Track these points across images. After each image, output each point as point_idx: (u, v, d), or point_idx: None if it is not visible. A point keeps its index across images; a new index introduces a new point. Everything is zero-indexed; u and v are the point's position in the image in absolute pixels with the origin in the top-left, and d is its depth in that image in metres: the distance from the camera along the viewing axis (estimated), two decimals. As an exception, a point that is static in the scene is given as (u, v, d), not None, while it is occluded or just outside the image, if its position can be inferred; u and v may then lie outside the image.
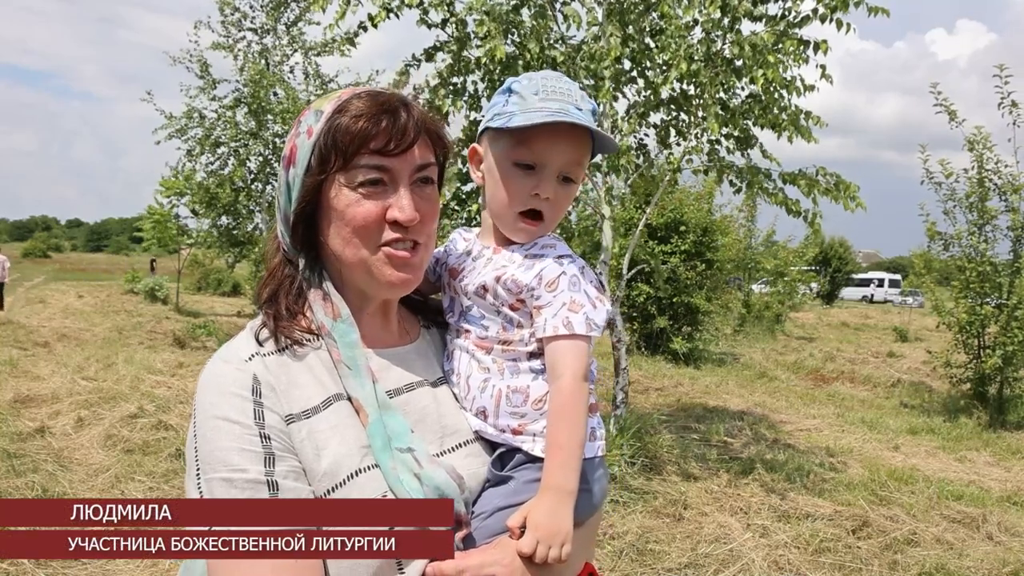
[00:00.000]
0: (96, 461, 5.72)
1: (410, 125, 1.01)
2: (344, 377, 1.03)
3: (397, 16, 5.44)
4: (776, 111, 5.55)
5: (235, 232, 14.71)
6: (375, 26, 5.55)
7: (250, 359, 1.01)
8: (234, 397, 0.97)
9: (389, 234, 1.03)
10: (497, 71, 5.40)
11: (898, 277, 47.09)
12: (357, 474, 0.97)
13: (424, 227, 1.06)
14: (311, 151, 1.02)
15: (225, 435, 0.94)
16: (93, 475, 5.41)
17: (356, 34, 5.77)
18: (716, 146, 6.01)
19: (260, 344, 1.03)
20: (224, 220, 14.62)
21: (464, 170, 5.70)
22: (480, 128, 1.19)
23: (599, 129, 1.10)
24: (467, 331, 1.15)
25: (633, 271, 6.82)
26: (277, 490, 0.93)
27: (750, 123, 5.77)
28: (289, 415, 0.98)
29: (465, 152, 5.76)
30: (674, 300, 13.20)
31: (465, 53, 5.59)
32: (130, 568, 3.97)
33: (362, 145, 0.99)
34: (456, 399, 1.16)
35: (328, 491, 0.96)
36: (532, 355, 1.10)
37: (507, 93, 1.12)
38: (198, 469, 0.95)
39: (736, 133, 5.88)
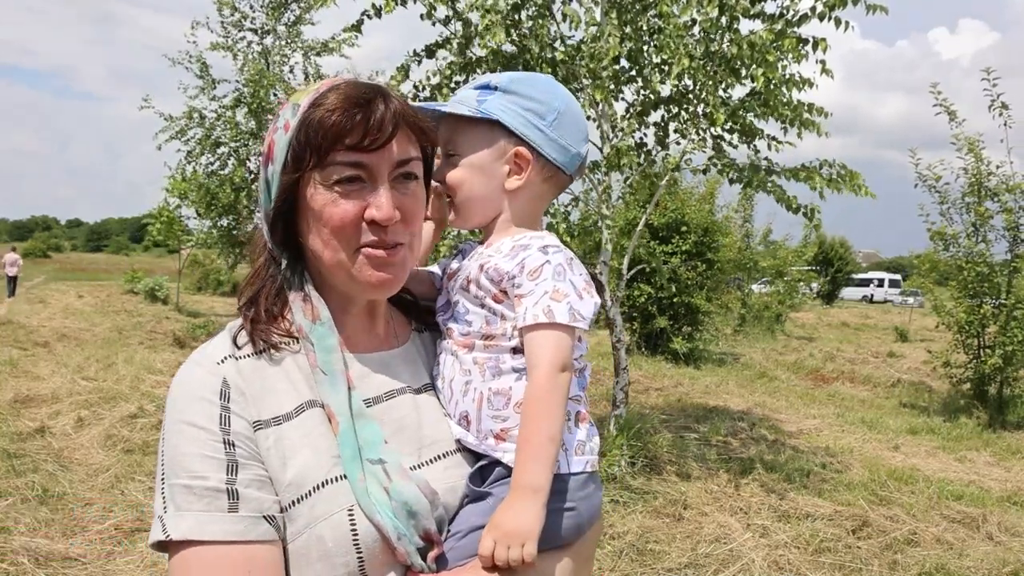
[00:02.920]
0: (96, 461, 5.72)
1: (387, 118, 0.95)
2: (319, 383, 0.99)
3: (404, 5, 5.44)
4: (778, 107, 5.54)
5: (235, 232, 14.70)
6: (379, 16, 5.55)
7: (222, 362, 0.98)
8: (201, 401, 0.94)
9: (368, 235, 0.97)
10: (499, 69, 5.40)
11: (898, 277, 47.13)
12: (324, 485, 0.94)
13: (407, 227, 1.01)
14: (288, 147, 0.97)
15: (189, 440, 0.92)
16: (93, 475, 5.41)
17: (361, 22, 5.75)
18: (720, 141, 6.00)
19: (237, 347, 1.00)
20: (224, 221, 14.63)
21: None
22: None
23: (427, 106, 1.10)
24: (450, 329, 1.11)
25: (634, 271, 6.81)
26: (237, 499, 0.90)
27: (752, 116, 5.76)
28: (257, 421, 0.95)
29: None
30: (674, 300, 13.21)
31: (469, 52, 5.59)
32: (130, 568, 3.98)
33: (336, 141, 0.94)
34: (442, 406, 1.10)
35: (293, 502, 0.93)
36: (515, 351, 1.06)
37: None
38: (163, 474, 0.92)
39: (739, 127, 5.87)
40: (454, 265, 1.17)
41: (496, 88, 1.11)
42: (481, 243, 1.18)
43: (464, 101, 1.11)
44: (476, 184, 1.11)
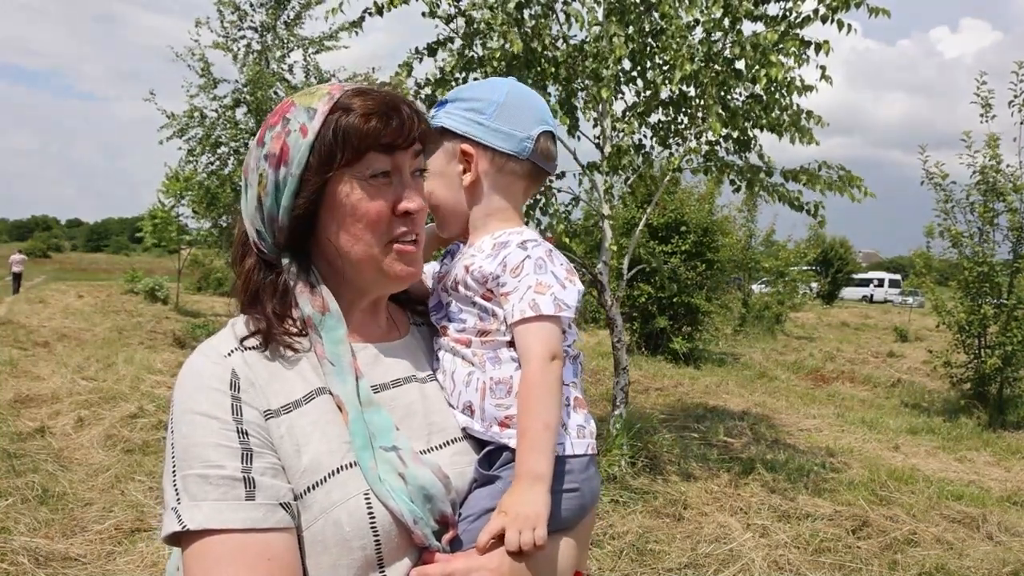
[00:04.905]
0: (96, 461, 5.72)
1: (415, 120, 1.03)
2: (327, 374, 1.01)
3: (406, 2, 5.45)
4: (777, 111, 5.54)
5: (236, 232, 14.68)
6: (380, 14, 5.55)
7: (229, 354, 0.99)
8: (211, 391, 0.95)
9: (399, 228, 1.03)
10: (502, 68, 5.40)
11: (898, 277, 47.09)
12: (338, 471, 0.95)
13: (423, 220, 1.08)
14: (310, 149, 1.00)
15: (201, 430, 0.92)
16: (93, 475, 5.41)
17: (362, 19, 5.76)
18: (715, 147, 6.01)
19: (241, 340, 1.01)
20: (225, 220, 14.63)
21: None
22: None
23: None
24: (445, 328, 1.15)
25: (634, 271, 6.81)
26: (254, 487, 0.90)
27: (749, 125, 5.77)
28: (268, 410, 0.96)
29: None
30: (674, 300, 13.21)
31: (471, 50, 5.60)
32: (130, 568, 3.98)
33: (374, 142, 1.00)
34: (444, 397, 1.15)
35: (308, 488, 0.94)
36: (511, 344, 1.09)
37: None
38: (174, 466, 0.92)
39: (735, 135, 5.87)
40: (443, 267, 1.22)
41: (445, 102, 1.19)
42: (464, 242, 1.22)
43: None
44: (439, 189, 1.18)
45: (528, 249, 1.09)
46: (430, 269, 1.28)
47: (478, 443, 1.10)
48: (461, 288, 1.12)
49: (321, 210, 1.03)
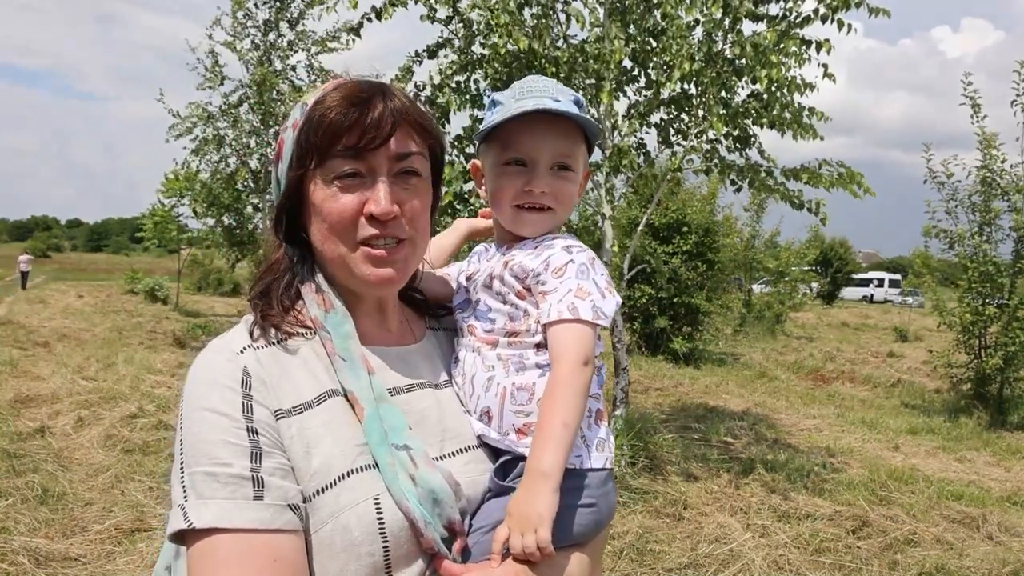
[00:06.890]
0: (96, 461, 5.72)
1: (385, 116, 0.97)
2: (339, 370, 0.99)
3: (405, 6, 5.45)
4: (778, 108, 5.54)
5: (237, 232, 14.69)
6: (380, 19, 5.55)
7: (242, 352, 0.97)
8: (223, 389, 0.93)
9: (367, 230, 0.99)
10: (502, 69, 5.40)
11: (898, 277, 47.09)
12: (349, 475, 0.93)
13: (411, 221, 1.02)
14: (294, 145, 1.00)
15: (211, 427, 0.90)
16: (93, 475, 5.41)
17: (360, 24, 5.77)
18: (716, 145, 6.01)
19: (253, 338, 1.00)
20: (227, 220, 14.62)
21: (465, 168, 5.70)
22: (477, 144, 1.22)
23: (577, 113, 1.09)
24: (472, 327, 1.12)
25: (634, 271, 6.81)
26: (262, 487, 0.88)
27: (750, 123, 5.77)
28: (279, 410, 0.94)
29: (469, 148, 5.76)
30: (675, 300, 13.21)
31: (470, 51, 5.60)
32: (130, 568, 3.97)
33: (335, 140, 0.96)
34: (460, 403, 1.11)
35: (318, 491, 0.92)
36: (539, 347, 1.07)
37: (492, 105, 1.15)
38: (182, 463, 0.90)
39: (736, 133, 5.87)
40: (472, 265, 1.20)
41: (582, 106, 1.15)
42: (497, 244, 1.20)
43: (581, 113, 1.12)
44: (573, 199, 1.18)
45: (572, 253, 1.08)
46: (456, 269, 1.26)
47: (493, 452, 1.08)
48: (496, 283, 1.10)
49: (300, 208, 1.03)
